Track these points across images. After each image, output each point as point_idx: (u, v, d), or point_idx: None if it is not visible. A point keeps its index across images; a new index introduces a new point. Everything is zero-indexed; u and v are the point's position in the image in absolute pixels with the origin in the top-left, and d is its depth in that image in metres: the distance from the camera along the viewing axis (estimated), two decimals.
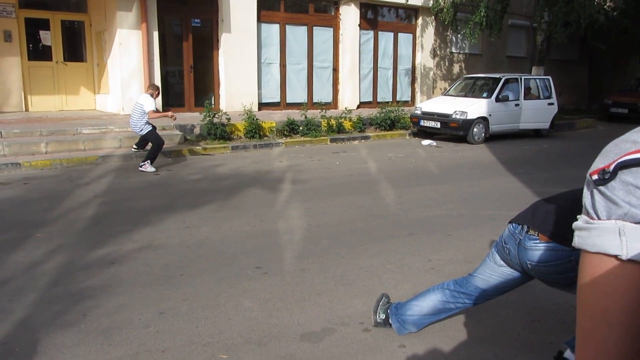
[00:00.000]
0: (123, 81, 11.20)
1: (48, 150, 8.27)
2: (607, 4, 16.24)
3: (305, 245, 4.47)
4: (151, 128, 7.69)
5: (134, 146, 8.34)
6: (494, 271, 2.52)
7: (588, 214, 1.10)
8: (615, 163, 1.03)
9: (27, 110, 11.87)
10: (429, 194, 6.38)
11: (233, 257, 4.14)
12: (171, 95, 12.35)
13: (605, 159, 1.08)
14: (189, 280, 3.68)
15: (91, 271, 3.83)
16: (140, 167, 7.52)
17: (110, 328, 3.00)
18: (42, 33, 12.08)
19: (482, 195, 6.41)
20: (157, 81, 11.45)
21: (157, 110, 7.76)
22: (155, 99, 7.73)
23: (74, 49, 12.66)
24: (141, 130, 7.64)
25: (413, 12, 16.07)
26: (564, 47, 17.88)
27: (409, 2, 14.22)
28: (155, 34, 11.51)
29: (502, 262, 2.48)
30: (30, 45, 11.99)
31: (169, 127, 9.68)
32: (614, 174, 1.03)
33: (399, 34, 15.98)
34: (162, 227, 4.90)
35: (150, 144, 7.80)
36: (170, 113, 7.98)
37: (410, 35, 16.25)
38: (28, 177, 7.06)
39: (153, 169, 7.51)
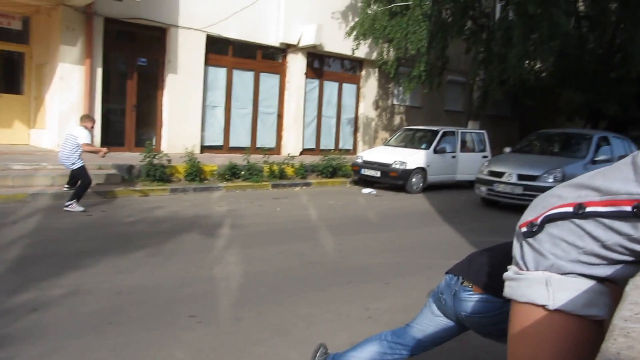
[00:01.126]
0: (61, 116, 10.86)
1: None
2: (537, 66, 17.41)
3: (242, 293, 4.38)
4: (82, 163, 7.38)
5: (66, 185, 7.99)
6: (431, 321, 2.54)
7: (517, 265, 1.14)
8: (542, 216, 1.09)
9: None
10: (368, 242, 6.45)
11: (166, 305, 3.99)
12: (111, 133, 12.06)
13: (534, 212, 1.13)
14: (118, 330, 3.50)
15: (10, 318, 3.58)
16: (66, 206, 7.18)
17: None
18: None
19: (419, 244, 6.53)
20: (98, 118, 11.18)
21: (90, 144, 7.45)
22: (90, 131, 7.48)
23: (11, 81, 12.21)
24: (73, 164, 7.28)
25: (358, 63, 16.62)
26: (498, 103, 18.92)
27: (354, 55, 14.71)
28: (99, 70, 11.32)
29: (439, 312, 2.51)
30: None
31: (105, 166, 9.39)
32: (541, 226, 1.08)
33: (344, 84, 16.45)
34: (92, 271, 4.67)
35: (79, 182, 7.47)
36: (104, 149, 7.74)
37: (355, 86, 16.75)
38: None
39: (81, 209, 7.19)
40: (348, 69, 16.69)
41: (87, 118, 7.68)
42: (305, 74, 15.09)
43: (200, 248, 5.72)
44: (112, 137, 12.03)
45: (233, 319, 3.79)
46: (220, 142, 13.81)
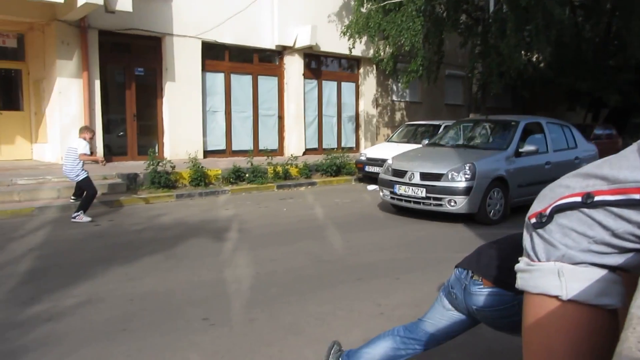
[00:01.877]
0: (62, 130, 10.90)
1: None
2: (534, 57, 17.39)
3: (254, 294, 4.39)
4: (87, 175, 7.42)
5: (72, 197, 8.04)
6: (443, 315, 2.54)
7: (529, 256, 1.14)
8: (551, 207, 1.09)
9: None
10: (376, 238, 6.45)
11: (178, 309, 4.00)
12: (113, 143, 12.10)
13: (542, 203, 1.13)
14: (132, 336, 3.51)
15: (25, 329, 3.59)
16: (73, 218, 7.22)
17: None
18: None
19: (427, 239, 6.53)
20: (99, 129, 11.23)
21: (88, 154, 7.47)
22: (89, 141, 7.51)
23: (10, 98, 12.28)
24: (77, 176, 7.34)
25: (355, 62, 16.63)
26: (498, 95, 18.92)
27: (351, 53, 14.72)
28: (97, 82, 11.35)
29: (450, 307, 2.51)
30: None
31: (110, 176, 9.42)
32: (550, 217, 1.08)
33: (342, 83, 16.46)
34: (103, 280, 4.69)
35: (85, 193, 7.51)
36: (100, 158, 7.78)
37: (353, 84, 16.77)
38: None
39: (88, 219, 7.23)
40: (346, 67, 16.71)
41: (86, 129, 7.71)
42: (303, 74, 15.11)
43: (210, 251, 5.73)
44: (114, 147, 12.08)
45: (246, 320, 3.80)
46: (222, 147, 13.84)
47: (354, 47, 14.36)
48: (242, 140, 14.19)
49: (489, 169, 7.42)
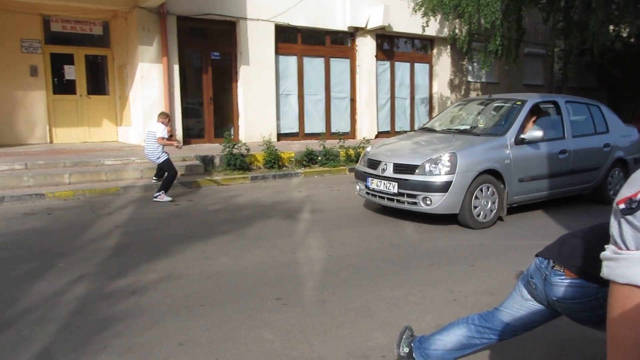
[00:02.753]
0: (144, 113, 11.43)
1: (71, 181, 8.42)
2: (623, 31, 16.21)
3: (325, 276, 4.44)
4: (167, 157, 7.78)
5: (154, 177, 8.45)
6: (521, 305, 2.45)
7: (616, 244, 1.07)
8: None
9: (51, 142, 12.16)
10: (449, 223, 6.32)
11: (253, 288, 4.12)
12: (191, 126, 12.55)
13: (632, 187, 1.05)
14: (209, 312, 3.67)
15: (112, 301, 3.84)
16: (155, 197, 7.59)
17: (131, 359, 2.99)
18: (66, 67, 12.44)
19: (503, 225, 6.33)
20: (178, 112, 11.67)
21: (166, 138, 7.80)
22: (166, 126, 7.84)
23: (97, 83, 13.00)
24: (158, 158, 7.72)
25: (428, 42, 16.23)
26: (582, 74, 17.85)
27: (425, 33, 14.37)
28: (176, 67, 11.78)
29: (529, 297, 2.41)
30: (55, 80, 12.34)
31: (189, 157, 9.81)
32: None
33: (415, 64, 16.14)
34: (182, 257, 4.92)
35: (166, 173, 7.88)
36: (176, 142, 8.09)
37: (427, 65, 16.40)
38: (52, 208, 7.17)
39: (169, 199, 7.58)
40: (419, 48, 16.35)
41: (163, 115, 8.06)
42: (376, 56, 14.94)
43: (283, 233, 5.85)
44: (192, 130, 12.52)
45: (318, 301, 3.86)
46: (295, 130, 14.01)
47: (427, 26, 14.01)
48: (315, 123, 14.29)
49: (475, 160, 6.00)
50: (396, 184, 6.16)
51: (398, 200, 6.21)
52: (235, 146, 10.06)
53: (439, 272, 4.54)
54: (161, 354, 3.05)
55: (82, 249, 5.19)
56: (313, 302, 3.84)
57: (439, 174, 5.89)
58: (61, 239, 5.56)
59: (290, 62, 13.77)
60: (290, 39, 13.73)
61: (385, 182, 6.30)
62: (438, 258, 4.93)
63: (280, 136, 13.55)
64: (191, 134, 12.42)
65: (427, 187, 5.92)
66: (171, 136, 8.07)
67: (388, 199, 6.32)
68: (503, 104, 7.31)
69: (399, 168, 6.22)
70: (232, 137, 12.46)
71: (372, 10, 14.05)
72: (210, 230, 5.95)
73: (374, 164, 6.63)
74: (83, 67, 12.62)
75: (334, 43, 14.59)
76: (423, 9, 13.72)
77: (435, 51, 16.33)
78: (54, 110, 12.27)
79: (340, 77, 14.72)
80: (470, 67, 17.16)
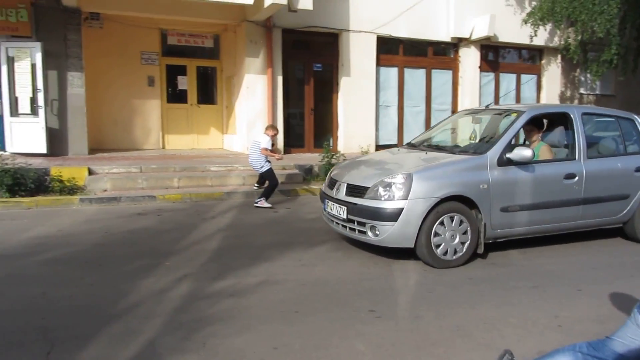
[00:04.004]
0: (249, 123, 11.91)
1: (180, 185, 8.96)
2: None
3: (420, 290, 4.35)
4: (270, 167, 8.04)
5: (255, 184, 8.76)
6: (637, 335, 2.25)
7: None
8: None
9: (163, 148, 13.05)
10: (556, 242, 5.95)
11: (346, 299, 4.13)
12: (292, 136, 12.88)
13: None
14: (303, 318, 3.72)
15: (212, 301, 4.01)
16: (256, 203, 7.87)
17: (227, 359, 3.10)
18: (179, 78, 13.32)
19: (618, 245, 5.85)
20: (280, 122, 12.03)
21: (269, 149, 8.05)
22: (272, 138, 8.09)
23: (207, 93, 13.78)
24: (261, 168, 8.00)
25: (537, 52, 15.49)
26: None
27: (533, 43, 13.73)
28: (280, 78, 12.17)
29: None
30: (169, 89, 13.25)
31: (289, 166, 10.08)
32: None
33: (522, 75, 15.45)
34: (279, 263, 5.04)
35: (267, 182, 8.15)
36: (278, 155, 8.31)
37: (534, 76, 15.64)
38: (161, 209, 7.67)
39: (269, 205, 7.82)
40: (526, 58, 15.64)
41: (271, 128, 8.35)
42: (480, 67, 14.50)
43: (377, 245, 5.80)
44: (292, 139, 12.85)
45: (412, 317, 3.78)
46: (394, 141, 13.91)
47: (535, 36, 13.37)
48: (414, 134, 14.04)
49: (435, 184, 4.89)
50: (345, 208, 5.21)
51: (350, 228, 5.23)
52: (334, 156, 10.17)
53: (543, 294, 4.28)
54: (255, 356, 3.13)
55: (186, 250, 5.49)
56: (407, 317, 3.77)
57: (390, 199, 4.87)
58: (168, 239, 5.92)
59: (391, 74, 13.73)
60: (392, 50, 13.70)
61: (337, 205, 5.37)
62: (542, 280, 4.66)
63: (379, 147, 13.50)
64: (291, 144, 12.75)
65: (375, 215, 4.92)
66: (274, 148, 8.35)
67: (341, 225, 5.35)
68: (499, 116, 6.22)
69: (351, 190, 5.26)
70: (331, 147, 12.65)
71: (477, 20, 13.67)
72: (307, 238, 6.05)
73: (332, 183, 5.66)
74: (194, 77, 13.45)
75: (436, 54, 14.35)
76: (532, 19, 13.12)
77: (544, 62, 15.54)
78: (167, 118, 13.16)
79: (442, 88, 14.43)
80: (583, 79, 16.13)
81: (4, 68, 10.08)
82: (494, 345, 3.30)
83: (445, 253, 4.95)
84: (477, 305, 4.00)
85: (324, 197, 5.75)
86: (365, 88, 13.08)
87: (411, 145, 6.49)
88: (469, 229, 5.01)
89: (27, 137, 10.15)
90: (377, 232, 4.94)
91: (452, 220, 4.95)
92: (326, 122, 13.27)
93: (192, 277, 4.57)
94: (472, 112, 7.10)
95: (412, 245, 4.91)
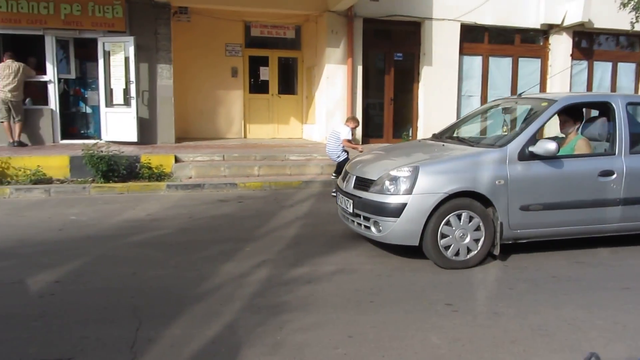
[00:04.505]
0: (328, 113, 11.98)
1: (260, 173, 9.20)
2: None
3: (500, 286, 4.22)
4: (347, 156, 8.06)
5: (333, 174, 8.81)
6: None
7: None
8: None
9: (245, 137, 13.43)
10: None
11: (423, 291, 4.08)
12: (371, 126, 12.83)
13: None
14: (378, 308, 3.72)
15: (289, 287, 4.11)
16: (333, 193, 7.91)
17: (303, 344, 3.16)
18: (261, 69, 13.63)
19: None
20: (359, 112, 12.01)
21: (351, 141, 8.08)
22: (352, 130, 8.11)
23: (287, 83, 14.00)
24: (338, 157, 8.05)
25: (637, 39, 14.39)
26: None
27: (634, 29, 12.76)
28: (360, 68, 12.13)
29: None
30: (252, 80, 13.59)
31: None
32: None
33: (619, 63, 14.43)
34: (355, 252, 5.06)
35: None
36: (359, 147, 8.29)
37: (633, 65, 14.55)
38: (242, 196, 7.92)
39: None
40: (624, 46, 14.58)
41: (352, 119, 8.38)
42: (571, 55, 13.69)
43: None
44: (371, 129, 12.79)
45: (490, 312, 3.68)
46: (476, 132, 13.49)
47: (637, 22, 12.42)
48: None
49: (443, 178, 4.58)
50: (352, 202, 4.98)
51: (357, 223, 4.98)
52: None
53: (636, 297, 4.02)
54: (330, 343, 3.18)
55: (266, 236, 5.65)
56: (485, 313, 3.67)
57: (394, 194, 4.59)
58: (249, 226, 6.11)
59: (474, 63, 13.29)
60: (477, 38, 13.24)
61: (345, 198, 5.16)
62: (635, 281, 4.37)
63: None
64: (370, 134, 12.69)
65: (378, 209, 4.68)
66: (353, 139, 8.38)
67: (350, 220, 5.13)
68: (530, 106, 5.78)
69: (359, 182, 5.02)
70: (410, 137, 12.47)
71: (569, 5, 12.89)
72: None
73: (345, 175, 5.49)
74: (276, 68, 13.71)
75: (523, 42, 13.70)
76: (633, 2, 12.19)
77: None
78: (249, 108, 13.53)
79: (529, 77, 13.77)
80: None
81: (101, 62, 10.77)
82: (578, 347, 3.15)
83: (457, 253, 4.63)
84: (561, 305, 3.82)
85: (337, 190, 5.57)
86: (448, 77, 12.75)
87: (435, 137, 6.09)
88: (482, 227, 4.64)
89: (120, 126, 10.79)
90: (380, 229, 4.69)
91: (460, 218, 4.60)
92: (406, 112, 13.09)
93: (270, 263, 4.70)
94: (505, 102, 6.61)
95: (416, 243, 4.61)
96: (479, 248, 4.67)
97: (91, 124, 11.75)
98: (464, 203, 4.61)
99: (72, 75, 11.35)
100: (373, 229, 4.76)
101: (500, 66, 13.51)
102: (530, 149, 4.73)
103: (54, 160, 8.71)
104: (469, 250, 4.66)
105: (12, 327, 3.38)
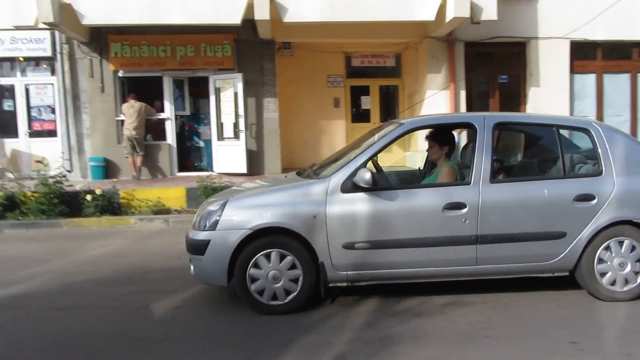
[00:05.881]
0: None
1: None
2: None
3: (630, 324, 3.87)
4: None
5: None
6: None
7: None
8: None
9: None
10: None
11: (543, 326, 3.84)
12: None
13: None
14: (494, 344, 3.55)
15: (399, 319, 4.04)
16: None
17: None
18: (363, 98, 13.82)
19: None
20: (464, 137, 11.71)
21: None
22: None
23: (388, 111, 14.03)
24: None
25: None
26: None
27: None
28: (463, 93, 11.90)
29: None
30: (353, 109, 13.80)
31: None
32: None
33: None
34: (467, 283, 4.87)
35: None
36: None
37: None
38: None
39: None
40: None
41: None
42: None
43: None
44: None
45: (622, 353, 3.37)
46: None
47: None
48: None
49: (251, 214, 4.18)
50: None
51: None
52: None
53: None
54: None
55: None
56: (616, 354, 3.38)
57: (202, 230, 4.27)
58: None
59: (586, 81, 12.53)
60: (588, 55, 12.49)
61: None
62: None
63: None
64: None
65: (189, 246, 4.41)
66: None
67: None
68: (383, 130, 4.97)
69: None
70: None
71: None
72: None
73: None
74: (377, 96, 13.83)
75: None
76: None
77: None
78: (352, 137, 13.66)
79: None
80: None
81: (212, 98, 11.50)
82: None
83: (273, 299, 4.20)
84: None
85: None
86: (557, 98, 12.10)
87: (302, 171, 5.29)
88: (299, 266, 4.18)
89: (231, 158, 11.38)
90: (191, 267, 4.43)
91: (269, 258, 4.17)
92: (514, 135, 12.57)
93: (379, 294, 4.65)
94: (378, 127, 5.75)
95: (224, 283, 4.23)
96: (298, 289, 4.21)
97: (204, 156, 12.52)
98: (276, 240, 4.21)
99: (187, 112, 12.22)
100: (190, 266, 4.48)
101: (617, 83, 12.62)
102: (354, 179, 4.18)
103: (172, 192, 9.36)
104: (288, 293, 4.22)
105: (139, 349, 3.64)
